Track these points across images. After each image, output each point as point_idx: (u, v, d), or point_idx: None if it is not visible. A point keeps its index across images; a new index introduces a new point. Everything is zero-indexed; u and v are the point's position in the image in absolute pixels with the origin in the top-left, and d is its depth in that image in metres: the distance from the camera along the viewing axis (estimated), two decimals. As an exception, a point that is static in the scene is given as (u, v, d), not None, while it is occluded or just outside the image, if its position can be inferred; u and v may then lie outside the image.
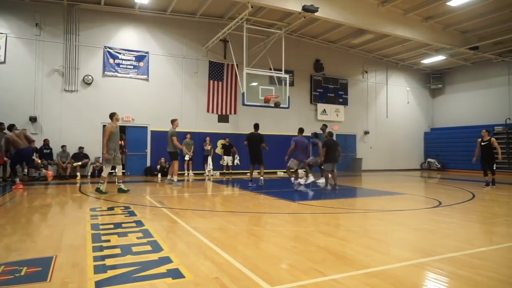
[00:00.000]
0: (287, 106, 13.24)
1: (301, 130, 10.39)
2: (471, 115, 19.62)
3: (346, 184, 11.49)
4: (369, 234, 4.74)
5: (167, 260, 3.43)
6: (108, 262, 3.33)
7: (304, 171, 11.51)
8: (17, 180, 9.59)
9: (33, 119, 12.69)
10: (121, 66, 14.21)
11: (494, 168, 10.35)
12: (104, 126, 13.81)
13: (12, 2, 12.77)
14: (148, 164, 14.24)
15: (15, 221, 5.27)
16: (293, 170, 9.77)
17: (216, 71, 15.79)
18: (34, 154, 11.81)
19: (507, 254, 3.91)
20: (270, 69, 13.50)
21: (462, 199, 8.06)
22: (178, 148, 10.51)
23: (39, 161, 11.70)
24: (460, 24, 15.05)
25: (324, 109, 18.27)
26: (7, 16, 12.79)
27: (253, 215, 6.25)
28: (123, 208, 6.36)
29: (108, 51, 14.07)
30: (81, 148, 12.91)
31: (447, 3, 12.95)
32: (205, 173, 14.58)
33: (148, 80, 14.60)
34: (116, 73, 14.13)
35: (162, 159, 13.55)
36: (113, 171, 14.01)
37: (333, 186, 9.74)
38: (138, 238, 4.24)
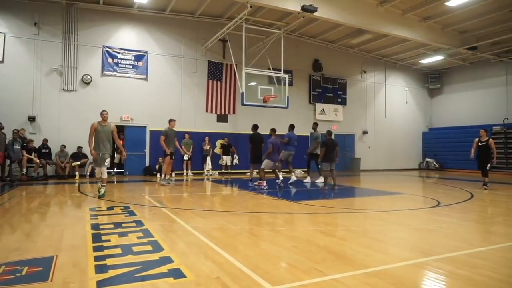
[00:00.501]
0: (286, 106, 13.25)
1: (274, 130, 10.59)
2: (469, 115, 19.68)
3: (345, 184, 11.51)
4: (368, 234, 4.76)
5: (168, 260, 3.43)
6: (109, 262, 3.34)
7: (303, 171, 11.58)
8: None
9: (31, 119, 12.66)
10: (120, 65, 14.19)
11: (488, 169, 10.18)
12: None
13: (11, 1, 12.73)
14: (147, 163, 14.23)
15: (14, 221, 5.26)
16: (266, 171, 10.03)
17: (215, 71, 15.78)
18: (33, 153, 11.82)
19: (506, 253, 3.94)
20: (269, 69, 13.51)
21: (460, 199, 8.10)
22: (164, 148, 10.47)
23: (38, 160, 11.68)
24: (459, 24, 15.09)
25: (323, 109, 18.30)
26: (6, 15, 12.75)
27: (253, 215, 6.26)
28: (122, 208, 6.35)
29: (107, 51, 14.04)
30: (79, 147, 12.88)
31: (446, 3, 12.98)
32: (204, 172, 14.58)
33: (147, 80, 14.58)
34: (115, 73, 14.11)
35: (160, 159, 13.52)
36: (111, 170, 14.09)
37: (332, 185, 9.76)
38: (138, 238, 4.25)
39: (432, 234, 4.78)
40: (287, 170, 11.59)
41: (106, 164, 7.67)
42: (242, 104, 12.59)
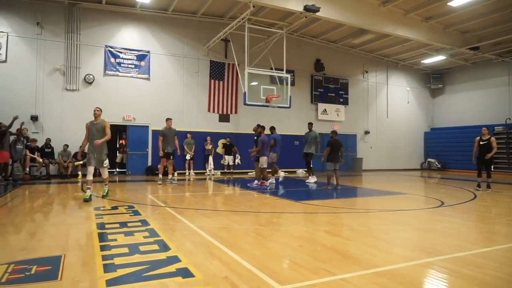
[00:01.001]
0: (288, 105, 13.27)
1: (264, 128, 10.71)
2: (471, 115, 19.67)
3: (347, 184, 11.52)
4: (373, 234, 4.77)
5: (175, 259, 3.45)
6: (117, 261, 3.36)
7: (304, 171, 11.63)
8: None
9: (34, 118, 12.68)
10: (122, 65, 14.21)
11: (492, 170, 9.95)
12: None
13: (13, 1, 12.75)
14: (149, 163, 14.24)
15: (18, 220, 5.29)
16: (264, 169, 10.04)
17: (217, 71, 15.80)
18: (36, 153, 11.85)
19: (510, 253, 3.95)
20: (271, 69, 13.52)
21: (463, 199, 8.11)
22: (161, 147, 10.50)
23: (41, 160, 11.71)
24: (461, 24, 15.09)
25: (325, 109, 18.31)
26: (8, 15, 12.77)
27: (257, 214, 6.28)
28: (127, 207, 6.37)
29: (109, 50, 14.06)
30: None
31: (448, 3, 12.98)
32: (206, 172, 14.60)
33: (149, 80, 14.60)
34: (117, 72, 14.13)
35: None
36: (114, 170, 14.11)
37: (335, 185, 9.78)
38: (144, 237, 4.26)
39: (436, 234, 4.79)
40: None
41: (104, 165, 7.32)
42: (245, 104, 12.61)
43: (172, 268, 3.21)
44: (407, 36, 15.04)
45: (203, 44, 15.39)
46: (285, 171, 15.20)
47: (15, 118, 10.88)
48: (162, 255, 3.58)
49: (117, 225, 4.85)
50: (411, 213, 6.44)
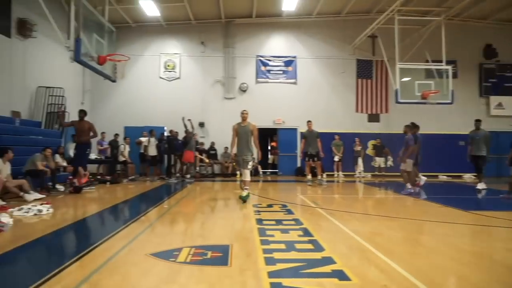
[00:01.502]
0: (450, 101, 11.69)
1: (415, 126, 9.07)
2: None
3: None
4: None
5: (330, 260, 3.43)
6: (276, 255, 3.55)
7: (473, 176, 9.95)
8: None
9: (201, 125, 14.82)
10: (271, 72, 15.21)
11: None
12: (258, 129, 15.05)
13: (183, 26, 15.22)
14: (298, 164, 14.74)
15: (194, 211, 6.22)
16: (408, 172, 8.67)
17: (364, 69, 15.20)
18: (203, 154, 13.74)
19: None
20: (427, 61, 12.17)
21: None
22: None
23: (207, 160, 13.55)
24: None
25: (500, 103, 15.31)
26: (180, 39, 15.35)
27: (416, 222, 5.70)
28: (281, 206, 6.74)
29: (260, 59, 15.25)
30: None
31: None
32: (355, 174, 14.18)
33: (296, 84, 15.17)
34: (267, 79, 15.20)
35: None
36: (266, 170, 15.16)
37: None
38: (299, 236, 4.40)
39: None
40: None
41: (249, 167, 7.24)
42: (397, 102, 11.72)
43: (327, 268, 3.20)
44: None
45: (349, 43, 15.04)
46: (448, 175, 13.44)
47: (185, 119, 12.85)
48: (317, 255, 3.61)
49: (273, 222, 5.17)
50: None
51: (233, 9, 14.32)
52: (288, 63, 15.22)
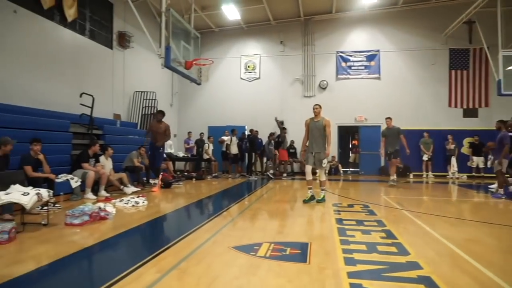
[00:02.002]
0: None
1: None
2: None
3: None
4: None
5: (415, 265, 3.22)
6: (356, 256, 3.45)
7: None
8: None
9: (281, 123, 14.94)
10: (352, 68, 14.70)
11: None
12: (338, 127, 14.68)
13: (262, 27, 15.53)
14: (382, 163, 13.99)
15: (274, 208, 6.33)
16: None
17: (458, 59, 13.78)
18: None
19: None
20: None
21: None
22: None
23: (287, 159, 13.61)
24: None
25: None
26: (260, 39, 15.70)
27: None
28: (362, 206, 6.49)
29: (340, 56, 14.84)
30: (319, 147, 14.15)
31: None
32: (448, 175, 12.94)
33: (379, 79, 14.43)
34: (348, 75, 14.73)
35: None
36: (347, 169, 14.67)
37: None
38: (381, 237, 4.21)
39: None
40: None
41: (323, 165, 6.70)
42: (499, 94, 10.43)
43: (412, 274, 3.01)
44: None
45: (440, 32, 13.78)
46: None
47: (278, 119, 13.13)
48: (401, 259, 3.41)
49: (354, 222, 5.01)
50: None
51: (312, 6, 14.17)
52: (371, 57, 14.54)
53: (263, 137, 13.74)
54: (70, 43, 9.67)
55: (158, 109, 9.42)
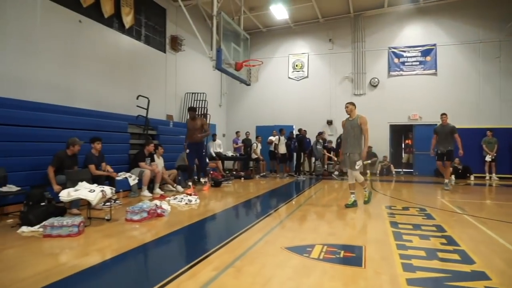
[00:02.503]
0: None
1: None
2: None
3: None
4: None
5: (482, 275, 3.00)
6: (415, 262, 3.30)
7: None
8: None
9: (329, 122, 14.71)
10: (406, 64, 14.05)
11: None
12: (390, 126, 14.13)
13: (310, 25, 15.35)
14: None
15: (324, 209, 6.23)
16: None
17: (527, 51, 12.61)
18: (332, 152, 13.59)
19: None
20: None
21: None
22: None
23: (336, 158, 13.35)
24: None
25: None
26: (308, 38, 15.52)
27: None
28: (418, 209, 6.18)
29: (393, 51, 14.24)
30: (369, 147, 13.67)
31: None
32: (514, 177, 11.92)
33: (436, 75, 13.64)
34: (401, 72, 14.10)
35: (456, 159, 12.08)
36: (400, 170, 14.04)
37: None
38: (441, 244, 3.97)
39: None
40: None
41: (356, 167, 6.24)
42: None
43: (479, 284, 2.81)
44: None
45: (507, 22, 12.68)
46: None
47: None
48: (465, 267, 3.20)
49: (410, 227, 4.78)
50: None
51: (363, 1, 13.73)
52: (426, 52, 13.77)
53: (311, 136, 13.58)
54: (127, 49, 10.25)
55: (189, 107, 9.04)
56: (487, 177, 11.93)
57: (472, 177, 11.87)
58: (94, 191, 4.72)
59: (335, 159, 13.32)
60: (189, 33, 12.43)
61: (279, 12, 13.50)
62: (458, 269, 3.16)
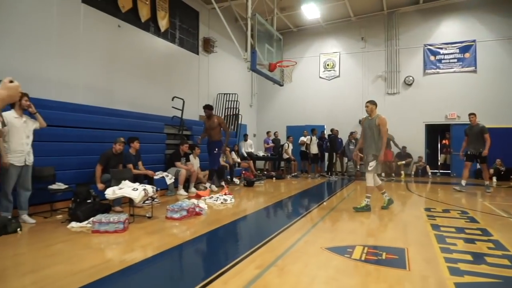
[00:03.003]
0: None
1: None
2: None
3: None
4: None
5: (537, 282, 2.88)
6: (462, 266, 3.20)
7: None
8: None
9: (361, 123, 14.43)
10: (443, 61, 13.58)
11: None
12: (426, 125, 13.71)
13: (342, 24, 15.15)
14: (478, 165, 12.64)
15: (363, 212, 6.14)
16: None
17: None
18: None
19: None
20: None
21: None
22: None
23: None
24: None
25: None
26: (339, 37, 15.32)
27: None
28: (460, 212, 5.97)
29: (428, 49, 13.81)
30: (404, 147, 13.34)
31: None
32: None
33: (475, 72, 13.08)
34: (437, 70, 13.65)
35: (498, 161, 11.54)
36: (436, 171, 13.55)
37: None
38: (489, 248, 3.83)
39: None
40: None
41: (369, 168, 5.95)
42: None
43: (534, 291, 2.70)
44: None
45: (553, 15, 11.99)
46: None
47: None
48: (517, 273, 3.08)
49: (453, 229, 4.64)
50: None
51: (397, -2, 13.41)
52: (465, 49, 13.23)
53: (343, 136, 13.40)
54: (162, 51, 10.55)
55: (204, 104, 8.67)
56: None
57: (494, 179, 11.23)
58: (137, 189, 4.91)
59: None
60: (220, 35, 12.60)
61: (311, 12, 13.41)
62: (509, 274, 3.04)
